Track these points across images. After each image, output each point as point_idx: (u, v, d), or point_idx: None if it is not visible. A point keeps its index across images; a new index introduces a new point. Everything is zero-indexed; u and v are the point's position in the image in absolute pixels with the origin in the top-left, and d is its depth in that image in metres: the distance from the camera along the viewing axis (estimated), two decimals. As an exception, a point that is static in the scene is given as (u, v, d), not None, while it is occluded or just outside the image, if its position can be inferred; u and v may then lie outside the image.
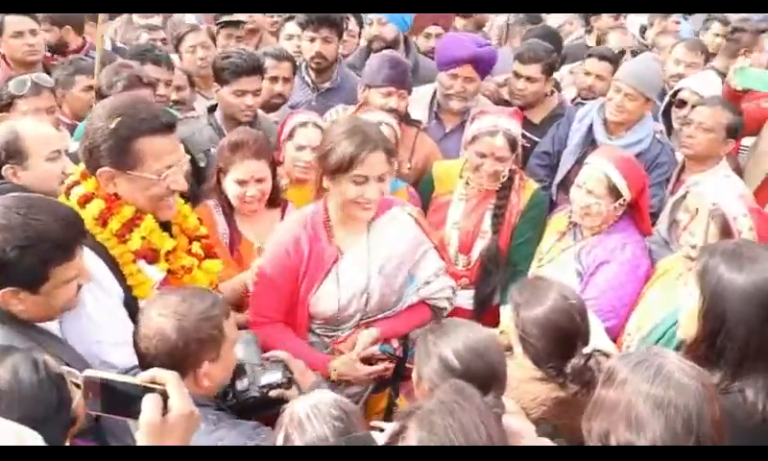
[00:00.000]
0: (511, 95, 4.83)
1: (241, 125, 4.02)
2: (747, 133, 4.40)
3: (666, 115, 4.55)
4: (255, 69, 4.07)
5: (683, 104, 4.38)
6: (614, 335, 3.24)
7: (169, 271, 2.71)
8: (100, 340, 2.46)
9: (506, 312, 3.57)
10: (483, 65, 4.40)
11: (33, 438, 1.52)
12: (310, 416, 1.93)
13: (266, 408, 2.34)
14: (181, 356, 2.12)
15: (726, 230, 2.98)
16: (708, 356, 2.18)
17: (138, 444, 1.59)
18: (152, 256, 2.65)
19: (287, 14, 5.62)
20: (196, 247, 2.87)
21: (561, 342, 2.54)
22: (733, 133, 4.02)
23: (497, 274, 3.70)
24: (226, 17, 5.49)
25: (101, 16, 4.50)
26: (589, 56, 5.15)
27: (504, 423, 2.12)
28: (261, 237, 3.38)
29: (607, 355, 2.71)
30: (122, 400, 1.59)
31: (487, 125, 3.69)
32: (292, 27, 5.40)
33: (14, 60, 4.74)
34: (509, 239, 3.75)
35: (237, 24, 5.48)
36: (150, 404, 1.56)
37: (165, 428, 1.57)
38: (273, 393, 2.34)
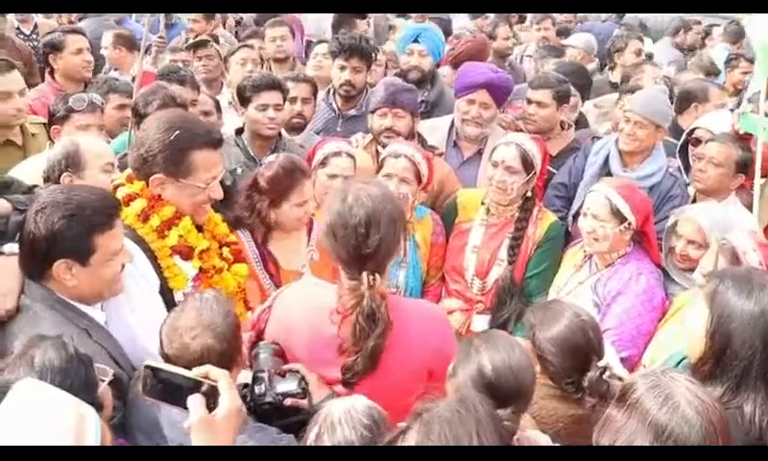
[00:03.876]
0: (524, 121, 4.96)
1: (266, 141, 4.25)
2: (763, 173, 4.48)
3: (683, 153, 4.64)
4: (275, 85, 4.30)
5: (698, 142, 4.49)
6: (632, 365, 3.32)
7: (201, 269, 2.94)
8: (140, 325, 2.65)
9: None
10: (498, 92, 4.55)
11: (89, 411, 1.66)
12: (342, 420, 2.04)
13: (280, 415, 2.42)
14: (229, 358, 2.28)
15: (736, 264, 3.05)
16: (712, 373, 2.26)
17: (192, 439, 1.71)
18: (187, 253, 2.91)
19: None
20: (226, 251, 3.11)
21: (577, 357, 2.65)
22: (743, 168, 4.11)
23: (511, 303, 3.77)
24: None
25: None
26: (625, 92, 5.30)
27: (524, 435, 2.25)
28: (289, 257, 3.54)
29: (620, 379, 2.82)
30: (177, 391, 1.74)
31: (505, 139, 3.90)
32: (320, 48, 5.68)
33: (70, 75, 5.07)
34: (524, 270, 3.83)
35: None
36: (196, 404, 1.70)
37: (216, 424, 1.71)
38: (287, 401, 2.41)
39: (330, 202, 2.55)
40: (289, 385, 2.43)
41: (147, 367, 1.77)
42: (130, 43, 6.39)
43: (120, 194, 2.90)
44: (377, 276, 2.46)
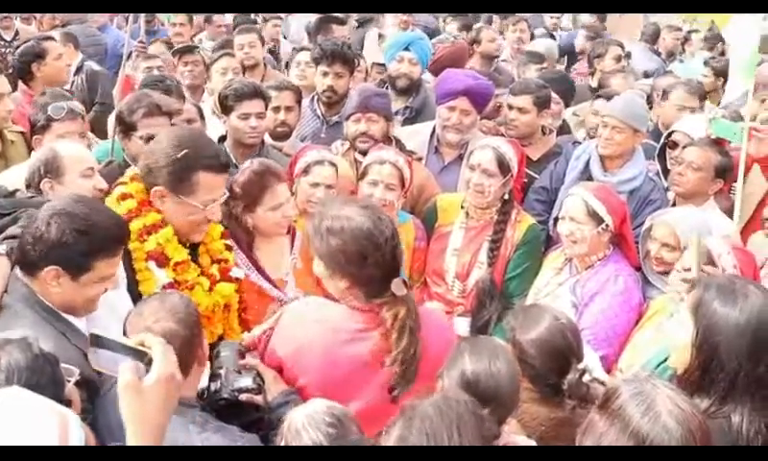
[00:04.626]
0: (505, 127, 5.04)
1: (249, 149, 4.25)
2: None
3: (662, 157, 4.70)
4: (256, 93, 4.30)
5: (675, 145, 4.54)
6: (609, 366, 3.37)
7: (175, 280, 2.98)
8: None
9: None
10: (478, 98, 4.59)
11: (69, 413, 1.68)
12: (305, 425, 2.07)
13: (237, 411, 2.42)
14: (190, 346, 2.28)
15: (711, 266, 3.14)
16: (699, 384, 2.27)
17: (120, 406, 1.68)
18: (162, 261, 2.97)
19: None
20: (214, 269, 3.15)
21: (557, 359, 2.69)
22: (722, 172, 4.16)
23: (491, 305, 3.82)
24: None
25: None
26: (598, 97, 5.38)
27: (510, 439, 2.30)
28: (272, 265, 3.55)
29: (602, 383, 2.86)
30: (115, 358, 1.73)
31: (481, 143, 3.97)
32: (302, 56, 5.71)
33: (53, 81, 5.10)
34: (503, 271, 3.89)
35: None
36: (125, 369, 1.68)
37: (144, 390, 1.67)
38: (242, 396, 2.42)
39: (349, 229, 2.48)
40: (244, 381, 2.43)
41: (91, 335, 1.77)
42: (76, 42, 6.50)
43: (117, 191, 3.01)
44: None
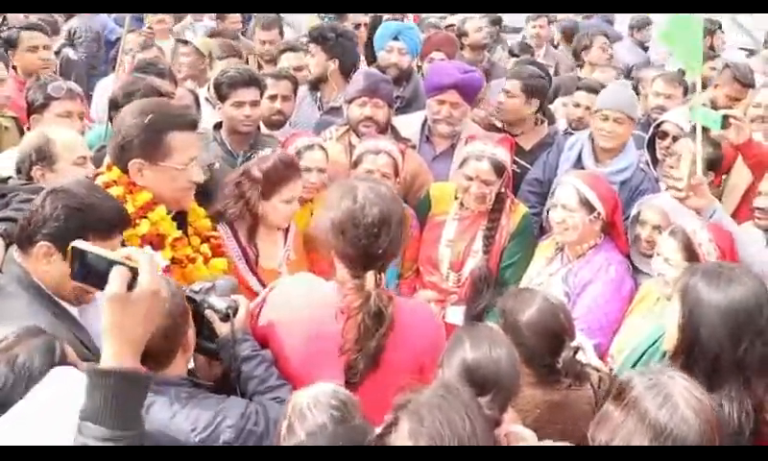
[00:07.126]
0: (496, 111, 5.08)
1: (243, 136, 4.25)
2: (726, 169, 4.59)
3: (651, 147, 4.74)
4: (251, 81, 4.28)
5: (665, 135, 4.58)
6: (601, 353, 3.40)
7: (173, 259, 2.94)
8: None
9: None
10: (468, 90, 4.58)
11: None
12: (310, 406, 2.06)
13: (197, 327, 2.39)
14: (174, 334, 2.25)
15: (688, 245, 3.21)
16: (684, 366, 2.31)
17: (103, 315, 1.65)
18: (158, 242, 2.92)
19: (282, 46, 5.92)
20: (204, 248, 3.13)
21: (550, 339, 2.74)
22: (712, 166, 4.17)
23: (488, 292, 3.83)
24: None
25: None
26: (578, 89, 5.40)
27: (511, 429, 2.31)
28: (269, 255, 3.56)
29: (597, 370, 2.91)
30: (99, 273, 1.67)
31: (474, 150, 3.91)
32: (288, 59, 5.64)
33: (28, 72, 5.02)
34: (498, 260, 3.92)
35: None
36: (116, 277, 1.63)
37: (129, 302, 1.63)
38: (207, 312, 2.43)
39: (335, 198, 2.49)
40: (218, 303, 2.43)
41: (73, 248, 1.70)
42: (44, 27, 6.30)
43: (98, 182, 2.92)
44: (383, 275, 2.48)
